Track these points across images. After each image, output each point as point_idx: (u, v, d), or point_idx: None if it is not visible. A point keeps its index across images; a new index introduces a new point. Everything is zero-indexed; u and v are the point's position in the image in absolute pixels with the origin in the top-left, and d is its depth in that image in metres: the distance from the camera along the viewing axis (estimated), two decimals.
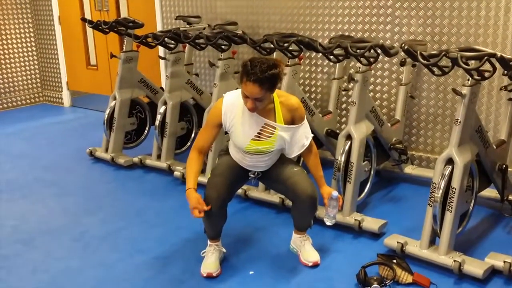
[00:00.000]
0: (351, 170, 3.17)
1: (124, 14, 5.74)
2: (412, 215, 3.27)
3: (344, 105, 4.28)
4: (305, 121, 2.67)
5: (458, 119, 2.68)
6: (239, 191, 3.57)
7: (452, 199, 2.68)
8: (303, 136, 2.66)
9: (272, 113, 2.58)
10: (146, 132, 4.71)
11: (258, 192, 3.58)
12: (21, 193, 3.94)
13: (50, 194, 3.90)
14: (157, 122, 4.24)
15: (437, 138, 3.91)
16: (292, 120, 2.62)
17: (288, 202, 3.25)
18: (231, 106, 2.58)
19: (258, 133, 2.59)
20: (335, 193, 2.71)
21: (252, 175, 2.77)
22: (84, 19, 4.71)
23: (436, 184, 2.71)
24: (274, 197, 3.46)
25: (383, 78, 4.06)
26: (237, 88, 3.82)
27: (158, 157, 4.28)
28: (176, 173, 4.00)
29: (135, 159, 4.35)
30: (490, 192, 3.31)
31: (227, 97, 2.62)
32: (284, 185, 2.71)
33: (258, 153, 2.64)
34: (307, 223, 2.84)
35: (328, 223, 2.76)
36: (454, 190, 2.68)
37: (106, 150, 4.50)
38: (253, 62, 2.40)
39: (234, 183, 2.74)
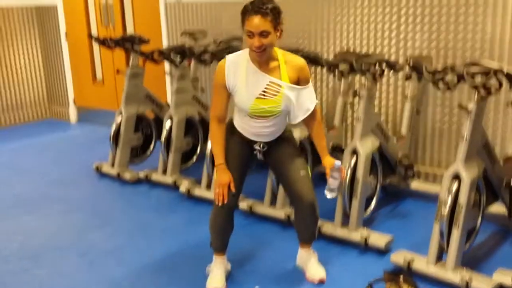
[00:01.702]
0: (357, 186, 3.16)
1: (130, 29, 5.81)
2: (419, 231, 3.25)
3: (349, 120, 4.28)
4: (311, 85, 2.60)
5: (464, 134, 2.67)
6: (244, 206, 3.57)
7: (459, 215, 2.66)
8: (307, 99, 2.57)
9: (277, 71, 2.52)
10: (152, 147, 4.72)
11: (263, 208, 3.57)
12: (28, 208, 3.94)
13: (56, 210, 3.91)
14: (163, 137, 4.25)
15: (444, 153, 3.90)
16: (298, 81, 2.54)
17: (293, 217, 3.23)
18: (234, 64, 2.51)
19: (263, 91, 2.49)
20: (337, 163, 2.58)
21: (257, 147, 2.66)
22: (91, 36, 4.75)
23: (443, 200, 2.70)
24: (280, 213, 3.45)
25: (389, 93, 4.06)
26: None
27: (164, 172, 4.29)
28: (182, 189, 4.00)
29: (141, 174, 4.36)
30: (498, 208, 3.28)
31: (229, 57, 2.56)
32: (287, 184, 2.70)
33: (263, 115, 2.54)
34: (311, 234, 2.80)
35: (328, 196, 2.63)
36: (461, 206, 2.66)
37: (112, 165, 4.52)
38: (252, 2, 2.40)
39: (243, 172, 2.69)
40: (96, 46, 6.07)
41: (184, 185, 4.01)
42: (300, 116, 2.59)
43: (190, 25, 5.14)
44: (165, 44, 5.32)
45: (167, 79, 5.38)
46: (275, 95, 2.50)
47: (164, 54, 4.10)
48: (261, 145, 2.66)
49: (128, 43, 4.39)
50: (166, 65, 5.01)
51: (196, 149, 4.55)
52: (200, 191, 3.92)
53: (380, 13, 3.97)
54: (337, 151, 3.80)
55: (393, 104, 4.06)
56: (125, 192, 4.24)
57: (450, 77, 2.68)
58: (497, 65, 2.59)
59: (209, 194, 3.84)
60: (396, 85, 4.02)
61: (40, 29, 6.57)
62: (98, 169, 4.61)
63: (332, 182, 2.60)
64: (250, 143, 2.67)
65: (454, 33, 3.67)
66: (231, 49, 3.86)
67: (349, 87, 4.00)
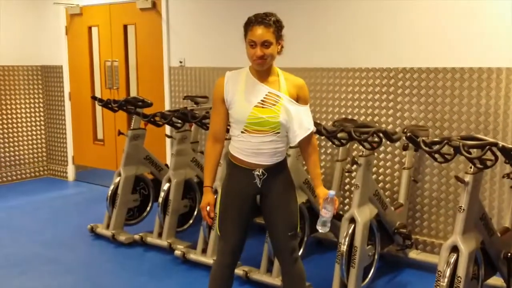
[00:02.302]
0: (355, 254, 3.13)
1: (133, 92, 5.92)
2: None
3: (347, 187, 4.30)
4: (309, 108, 2.60)
5: (461, 206, 2.69)
6: (240, 272, 3.51)
7: (458, 287, 2.62)
8: (307, 118, 2.55)
9: (276, 84, 2.53)
10: (148, 209, 4.70)
11: (259, 275, 3.51)
12: (20, 269, 3.87)
13: (48, 271, 3.83)
14: (160, 199, 4.24)
15: (441, 222, 3.89)
16: (297, 98, 2.54)
17: None
18: (233, 78, 2.54)
19: (262, 100, 2.48)
20: (331, 193, 2.46)
21: (257, 173, 2.54)
22: (94, 98, 4.85)
23: (441, 272, 2.67)
24: (276, 280, 3.39)
25: (386, 162, 4.11)
26: None
27: (160, 234, 4.24)
28: (177, 252, 3.95)
29: (136, 237, 4.31)
30: (496, 281, 3.24)
31: (228, 72, 2.59)
32: (273, 240, 2.68)
33: (261, 128, 2.48)
34: None
35: (321, 230, 2.49)
36: (459, 278, 2.63)
37: (108, 226, 4.47)
38: (256, 14, 2.47)
39: (246, 220, 2.62)
40: (98, 107, 6.16)
41: (179, 249, 3.96)
42: (300, 134, 2.53)
43: (193, 89, 5.26)
44: (167, 107, 5.42)
45: (167, 141, 5.44)
46: (274, 104, 2.48)
47: (166, 117, 4.17)
48: (261, 171, 2.54)
49: (131, 106, 4.47)
50: (167, 128, 5.08)
51: (193, 212, 4.53)
52: (195, 256, 3.86)
53: (378, 84, 4.09)
54: (335, 218, 3.78)
55: (391, 173, 4.09)
56: (119, 254, 4.18)
57: (446, 150, 2.73)
58: (492, 139, 2.65)
59: (204, 259, 3.79)
60: (393, 154, 4.07)
61: (44, 88, 6.71)
62: (92, 230, 4.56)
63: (325, 214, 2.45)
64: (250, 176, 2.55)
65: (450, 106, 3.76)
66: None
67: (347, 155, 4.06)
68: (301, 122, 2.52)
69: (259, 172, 2.53)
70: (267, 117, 2.47)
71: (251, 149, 2.51)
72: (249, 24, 2.45)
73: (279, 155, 2.56)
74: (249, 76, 2.53)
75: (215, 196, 2.64)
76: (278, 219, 2.60)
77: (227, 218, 2.60)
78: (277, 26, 2.46)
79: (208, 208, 2.56)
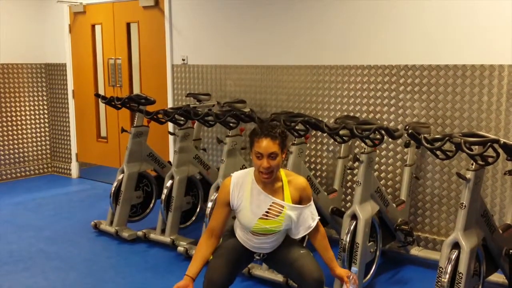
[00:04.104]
0: (357, 251, 3.14)
1: (136, 90, 5.94)
2: None
3: (349, 184, 4.31)
4: (312, 202, 2.69)
5: (463, 203, 2.70)
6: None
7: (459, 284, 2.64)
8: (309, 217, 2.66)
9: (280, 192, 2.61)
10: (151, 205, 4.72)
11: (262, 271, 3.53)
12: (24, 265, 3.90)
13: (52, 267, 3.86)
14: (163, 196, 4.26)
15: (443, 219, 3.90)
16: (300, 200, 2.64)
17: (293, 282, 3.20)
18: (239, 184, 2.61)
19: (266, 212, 2.59)
20: (354, 269, 2.62)
21: (257, 257, 2.75)
22: (97, 95, 4.87)
23: (442, 269, 2.68)
24: (278, 277, 3.41)
25: (388, 159, 4.12)
26: (243, 167, 3.89)
27: (163, 231, 4.27)
28: (180, 249, 3.97)
29: (139, 233, 4.34)
30: (498, 277, 3.25)
31: (235, 175, 2.66)
32: (290, 268, 2.66)
33: (265, 233, 2.63)
34: None
35: None
36: (461, 275, 2.64)
37: (111, 223, 4.50)
38: (261, 125, 2.57)
39: (236, 265, 2.70)
40: (102, 105, 6.19)
41: (182, 245, 3.99)
42: (301, 233, 2.66)
43: (195, 86, 5.28)
44: (170, 104, 5.44)
45: (170, 138, 5.46)
46: (278, 215, 2.59)
47: (169, 115, 4.19)
48: (261, 255, 2.74)
49: (134, 103, 4.49)
50: (170, 125, 5.10)
51: (196, 209, 4.55)
52: None
53: (380, 81, 4.10)
54: (336, 215, 3.80)
55: (393, 170, 4.10)
56: (122, 250, 4.20)
57: (448, 147, 2.74)
58: (494, 136, 2.65)
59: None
60: (395, 151, 4.08)
61: (48, 86, 6.74)
62: (96, 226, 4.59)
63: None
64: (249, 250, 2.73)
65: (452, 103, 3.77)
66: (235, 111, 3.94)
67: (349, 152, 4.07)
68: (303, 222, 2.64)
69: (259, 256, 2.74)
70: (271, 227, 2.61)
71: (254, 245, 2.69)
72: (256, 136, 2.53)
73: (280, 241, 2.72)
74: (254, 185, 2.61)
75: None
76: (284, 252, 2.69)
77: (222, 252, 2.67)
78: (283, 137, 2.55)
79: (180, 286, 2.49)
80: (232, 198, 2.60)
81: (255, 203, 2.59)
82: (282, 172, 2.64)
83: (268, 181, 2.56)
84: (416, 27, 3.89)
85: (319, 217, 2.71)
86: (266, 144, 2.48)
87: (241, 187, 2.60)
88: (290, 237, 2.74)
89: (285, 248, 2.71)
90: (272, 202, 2.59)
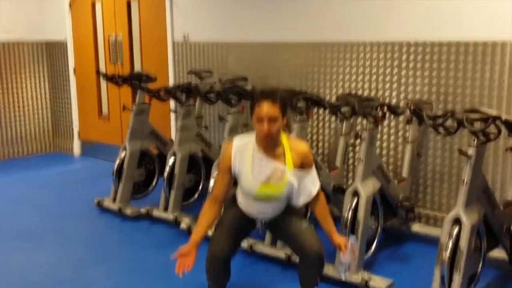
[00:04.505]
0: (358, 227, 3.17)
1: (137, 67, 5.92)
2: (420, 275, 3.23)
3: (351, 161, 4.32)
4: (314, 169, 2.68)
5: (464, 179, 2.71)
6: (245, 245, 3.57)
7: (460, 260, 2.66)
8: (311, 183, 2.66)
9: (282, 157, 2.60)
10: (154, 183, 4.75)
11: (263, 247, 3.56)
12: (29, 241, 3.94)
13: (57, 244, 3.91)
14: (165, 174, 4.28)
15: (444, 196, 3.92)
16: (301, 166, 2.63)
17: (295, 258, 3.23)
18: (240, 149, 2.61)
19: (268, 177, 2.59)
20: (353, 238, 2.63)
21: (259, 224, 2.75)
22: (99, 72, 4.86)
23: (443, 244, 2.71)
24: (280, 253, 3.45)
25: (390, 136, 4.12)
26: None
27: (165, 208, 4.30)
28: (183, 225, 4.00)
29: (142, 210, 4.37)
30: (499, 253, 3.28)
31: (236, 141, 2.66)
32: (292, 240, 2.70)
33: (266, 199, 2.63)
34: (314, 282, 2.80)
35: (347, 276, 2.64)
36: (462, 251, 2.66)
37: (114, 200, 4.53)
38: (262, 90, 2.56)
39: (238, 236, 2.73)
40: (103, 82, 6.17)
41: (185, 222, 4.02)
42: (302, 200, 2.67)
43: (197, 64, 5.25)
44: (171, 81, 5.42)
45: (172, 116, 5.46)
46: (279, 181, 2.59)
47: (170, 92, 4.18)
48: (263, 222, 2.75)
49: (135, 81, 4.48)
50: (172, 103, 5.09)
51: (198, 186, 4.57)
52: None
53: (382, 58, 4.07)
54: (338, 192, 3.82)
55: (394, 147, 4.11)
56: (126, 227, 4.24)
57: (450, 123, 2.73)
58: (496, 112, 2.65)
59: (210, 232, 3.83)
60: (397, 128, 4.08)
61: (49, 64, 6.70)
62: (99, 204, 4.62)
63: (351, 260, 2.59)
64: (253, 221, 2.75)
65: (454, 80, 3.75)
66: (236, 89, 3.93)
67: (350, 129, 4.07)
68: (304, 189, 2.65)
69: (261, 223, 2.73)
70: (272, 192, 2.61)
71: (255, 210, 2.70)
72: (256, 100, 2.51)
73: (282, 209, 2.72)
74: (256, 150, 2.59)
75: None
76: (288, 224, 2.71)
77: (223, 225, 2.70)
78: (283, 102, 2.53)
79: (185, 259, 2.53)
80: (234, 163, 2.60)
81: (257, 168, 2.58)
82: (284, 138, 2.63)
83: (269, 144, 2.54)
84: (418, 3, 3.84)
85: (319, 185, 2.70)
86: (266, 108, 2.46)
87: (242, 152, 2.59)
88: (293, 207, 2.75)
89: (288, 218, 2.72)
90: (274, 167, 2.58)
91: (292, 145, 2.64)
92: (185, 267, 2.51)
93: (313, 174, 2.68)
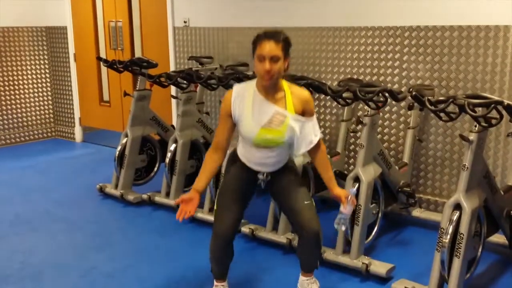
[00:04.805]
0: (359, 213, 3.18)
1: (138, 53, 5.90)
2: (420, 259, 3.25)
3: (352, 146, 4.32)
4: (315, 118, 2.65)
5: (465, 164, 2.71)
6: (247, 230, 3.59)
7: (460, 244, 2.67)
8: (311, 131, 2.62)
9: (283, 102, 2.57)
10: (156, 169, 4.76)
11: (265, 232, 3.59)
12: (31, 227, 3.97)
13: (59, 229, 3.93)
14: (167, 160, 4.29)
15: (445, 181, 3.92)
16: (303, 112, 2.60)
17: (295, 243, 3.25)
18: (240, 94, 2.57)
19: (269, 120, 2.54)
20: (352, 191, 2.62)
21: (261, 177, 2.67)
22: (99, 58, 4.84)
23: (444, 229, 2.72)
24: (281, 238, 3.47)
25: (391, 121, 4.11)
26: None
27: (167, 194, 4.32)
28: None
29: (144, 196, 4.39)
30: (499, 238, 3.29)
31: (236, 86, 2.63)
32: (291, 213, 2.70)
33: (267, 145, 2.58)
34: (313, 263, 2.81)
35: (343, 228, 2.63)
36: (462, 235, 2.68)
37: (116, 186, 4.55)
38: (265, 31, 2.51)
39: (243, 199, 2.69)
40: (104, 68, 6.15)
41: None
42: (303, 148, 2.62)
43: (197, 49, 5.23)
44: (172, 67, 5.41)
45: (173, 102, 5.45)
46: (280, 125, 2.55)
47: (171, 78, 4.17)
48: (265, 175, 2.67)
49: (136, 67, 4.47)
50: (173, 89, 5.08)
51: None
52: (202, 214, 3.94)
53: (384, 43, 4.05)
54: (339, 177, 3.83)
55: (396, 133, 4.11)
56: (128, 213, 4.26)
57: (451, 108, 2.73)
58: (498, 98, 2.64)
59: (211, 217, 3.86)
60: (398, 114, 4.07)
61: (49, 50, 6.69)
62: (101, 190, 4.64)
63: (349, 211, 2.60)
64: (253, 172, 2.69)
65: (456, 64, 3.74)
66: (237, 74, 3.92)
67: (352, 114, 4.06)
68: (305, 136, 2.60)
69: (263, 175, 2.67)
70: (273, 137, 2.55)
71: (257, 161, 2.65)
72: (258, 39, 2.48)
73: (284, 161, 2.68)
74: (256, 94, 2.56)
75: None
76: (291, 195, 2.67)
77: (226, 194, 2.68)
78: (286, 43, 2.50)
79: (187, 205, 2.53)
80: (234, 108, 2.56)
81: (257, 112, 2.55)
82: (285, 84, 2.60)
83: (269, 83, 2.51)
84: None
85: (321, 134, 2.68)
86: (268, 47, 2.43)
87: (242, 97, 2.57)
88: (296, 171, 2.72)
89: (290, 185, 2.68)
90: (275, 111, 2.55)
91: (294, 91, 2.60)
92: (186, 213, 2.52)
93: (314, 123, 2.64)
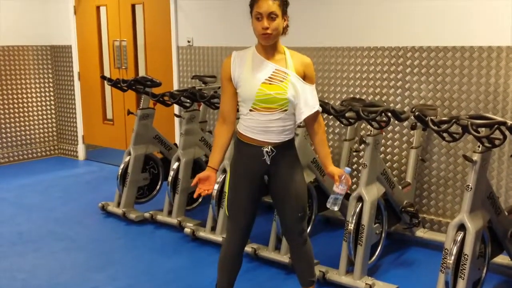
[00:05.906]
0: (362, 233, 3.16)
1: (142, 72, 5.94)
2: (424, 280, 3.23)
3: (355, 166, 4.32)
4: (315, 89, 2.60)
5: (469, 185, 2.70)
6: (249, 249, 3.57)
7: (465, 265, 2.66)
8: (313, 96, 2.55)
9: (283, 62, 2.53)
10: (158, 187, 4.75)
11: (268, 252, 3.57)
12: (33, 246, 3.95)
13: (61, 248, 3.92)
14: (169, 178, 4.29)
15: (449, 201, 3.91)
16: (303, 76, 2.55)
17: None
18: (240, 56, 2.54)
19: (270, 76, 2.48)
20: (348, 169, 2.51)
21: (266, 149, 2.52)
22: (103, 77, 4.87)
23: (448, 250, 2.70)
24: (284, 258, 3.45)
25: (394, 141, 4.11)
26: None
27: (169, 213, 4.31)
28: (187, 230, 4.01)
29: (146, 215, 4.38)
30: (503, 259, 3.27)
31: (235, 51, 2.59)
32: (281, 220, 2.72)
33: (269, 106, 2.48)
34: (309, 274, 2.74)
35: (333, 208, 2.50)
36: (466, 256, 2.66)
37: (118, 204, 4.54)
38: None
39: (252, 203, 2.62)
40: (108, 87, 6.20)
41: (189, 227, 4.03)
42: (305, 112, 2.51)
43: (201, 68, 5.27)
44: (175, 86, 5.44)
45: (176, 120, 5.47)
46: (282, 81, 2.48)
47: (175, 97, 4.19)
48: (270, 148, 2.53)
49: (140, 85, 4.50)
50: (176, 107, 5.10)
51: None
52: (205, 233, 3.92)
53: (387, 63, 4.08)
54: (343, 197, 3.81)
55: (399, 152, 4.10)
56: (130, 232, 4.25)
57: (454, 128, 2.73)
58: (501, 118, 2.65)
59: (213, 236, 3.85)
60: (401, 134, 4.08)
61: (53, 68, 6.74)
62: (103, 208, 4.63)
63: (341, 191, 2.47)
64: (259, 153, 2.57)
65: (459, 85, 3.75)
66: None
67: (355, 134, 4.07)
68: (307, 100, 2.52)
69: (268, 148, 2.53)
70: (275, 93, 2.47)
71: (260, 127, 2.52)
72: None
73: (288, 132, 2.57)
74: (256, 54, 2.53)
75: (222, 177, 2.62)
76: (287, 200, 2.62)
77: (236, 198, 2.63)
78: (283, 0, 2.48)
79: (204, 184, 2.51)
80: (233, 69, 2.52)
81: (257, 68, 2.50)
82: (285, 48, 2.59)
83: (269, 47, 2.48)
84: (422, 8, 3.85)
85: (321, 108, 2.61)
86: (266, 4, 2.41)
87: (241, 58, 2.53)
88: (296, 178, 2.60)
89: (287, 190, 2.60)
90: (275, 69, 2.50)
91: (294, 54, 2.58)
92: (204, 191, 2.50)
93: (315, 93, 2.58)
